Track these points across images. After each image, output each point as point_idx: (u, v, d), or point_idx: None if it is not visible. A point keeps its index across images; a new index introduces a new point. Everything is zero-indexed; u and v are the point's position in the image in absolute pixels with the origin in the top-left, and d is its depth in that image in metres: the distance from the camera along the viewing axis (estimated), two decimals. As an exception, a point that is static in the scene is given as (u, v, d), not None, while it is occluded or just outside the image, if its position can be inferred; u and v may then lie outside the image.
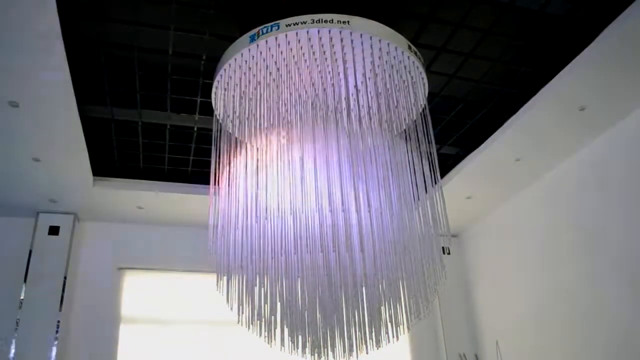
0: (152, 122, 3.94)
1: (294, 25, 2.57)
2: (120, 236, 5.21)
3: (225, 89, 2.94)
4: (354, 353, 2.53)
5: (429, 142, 2.91)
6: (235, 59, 2.76)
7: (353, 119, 2.67)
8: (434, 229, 2.70)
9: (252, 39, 2.65)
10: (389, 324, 2.58)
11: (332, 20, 2.57)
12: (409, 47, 2.80)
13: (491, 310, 5.35)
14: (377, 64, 2.69)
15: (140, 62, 3.29)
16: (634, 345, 3.66)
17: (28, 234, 4.79)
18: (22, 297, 4.52)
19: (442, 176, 4.64)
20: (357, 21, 2.61)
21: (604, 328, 3.93)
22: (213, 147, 2.97)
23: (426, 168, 2.81)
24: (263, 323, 2.60)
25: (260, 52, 2.67)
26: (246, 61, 2.74)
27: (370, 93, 2.81)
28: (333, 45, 2.61)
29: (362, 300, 2.53)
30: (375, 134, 2.73)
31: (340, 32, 2.58)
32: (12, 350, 4.33)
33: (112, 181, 4.57)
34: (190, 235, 5.20)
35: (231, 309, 2.68)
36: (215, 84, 2.98)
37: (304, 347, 2.57)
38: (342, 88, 2.74)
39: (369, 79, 2.72)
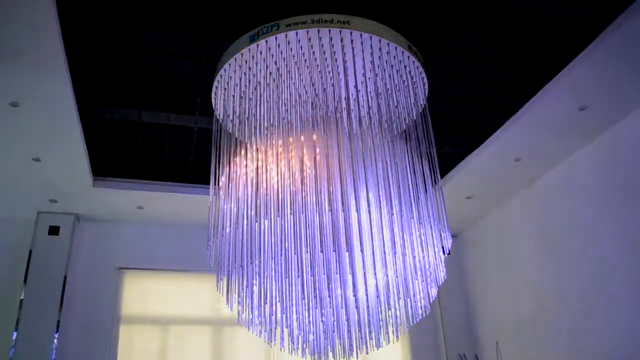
0: (152, 122, 3.94)
1: (294, 25, 2.57)
2: (120, 236, 5.21)
3: (225, 89, 2.94)
4: (354, 353, 2.53)
5: (429, 142, 2.91)
6: (235, 59, 2.76)
7: (353, 119, 2.67)
8: (433, 229, 2.70)
9: (252, 39, 2.65)
10: (389, 325, 2.57)
11: (332, 20, 2.57)
12: (409, 47, 2.80)
13: (491, 310, 5.35)
14: (377, 64, 2.69)
15: (140, 62, 3.29)
16: (634, 345, 3.66)
17: (28, 234, 4.79)
18: (22, 297, 4.52)
19: (442, 176, 4.64)
20: (357, 21, 2.61)
21: (604, 328, 3.93)
22: (213, 147, 2.97)
23: (426, 168, 2.82)
24: (263, 323, 2.60)
25: (260, 52, 2.67)
26: (246, 61, 2.74)
27: (370, 93, 2.81)
28: (333, 45, 2.61)
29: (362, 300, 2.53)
30: (375, 134, 2.73)
31: (340, 32, 2.58)
32: (12, 350, 4.33)
33: (112, 181, 4.57)
34: (190, 235, 5.20)
35: (231, 309, 2.68)
36: (215, 84, 2.98)
37: (303, 346, 2.57)
38: (342, 88, 2.74)
39: (369, 79, 2.72)
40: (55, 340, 4.46)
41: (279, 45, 2.63)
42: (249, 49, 2.68)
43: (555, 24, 3.13)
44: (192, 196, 4.72)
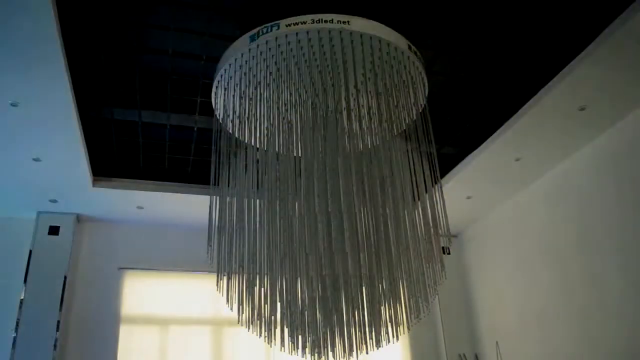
0: (152, 122, 3.94)
1: (294, 25, 2.57)
2: (120, 236, 5.20)
3: (225, 89, 2.94)
4: (354, 353, 2.53)
5: (429, 142, 2.91)
6: (236, 59, 2.76)
7: (353, 119, 2.67)
8: (433, 228, 2.70)
9: (252, 39, 2.66)
10: (389, 324, 2.57)
11: (332, 20, 2.57)
12: (409, 47, 2.80)
13: (491, 310, 5.35)
14: (377, 64, 2.69)
15: (140, 62, 3.29)
16: (635, 345, 3.66)
17: (28, 234, 4.79)
18: (22, 297, 4.52)
19: (442, 176, 4.64)
20: (357, 21, 2.61)
21: (604, 328, 3.92)
22: (213, 147, 2.97)
23: (426, 168, 2.82)
24: (263, 323, 2.60)
25: (261, 52, 2.67)
26: (246, 61, 2.74)
27: (370, 93, 2.81)
28: (333, 45, 2.61)
29: (362, 300, 2.53)
30: (375, 133, 2.73)
31: (340, 32, 2.58)
32: (12, 350, 4.32)
33: (112, 181, 4.56)
34: (190, 235, 5.20)
35: (231, 309, 2.68)
36: (215, 83, 2.98)
37: (304, 346, 2.57)
38: (342, 88, 2.74)
39: (369, 78, 2.72)
40: (55, 340, 4.46)
41: (279, 45, 2.63)
42: (249, 49, 2.68)
43: (556, 24, 3.13)
44: (192, 196, 4.72)
